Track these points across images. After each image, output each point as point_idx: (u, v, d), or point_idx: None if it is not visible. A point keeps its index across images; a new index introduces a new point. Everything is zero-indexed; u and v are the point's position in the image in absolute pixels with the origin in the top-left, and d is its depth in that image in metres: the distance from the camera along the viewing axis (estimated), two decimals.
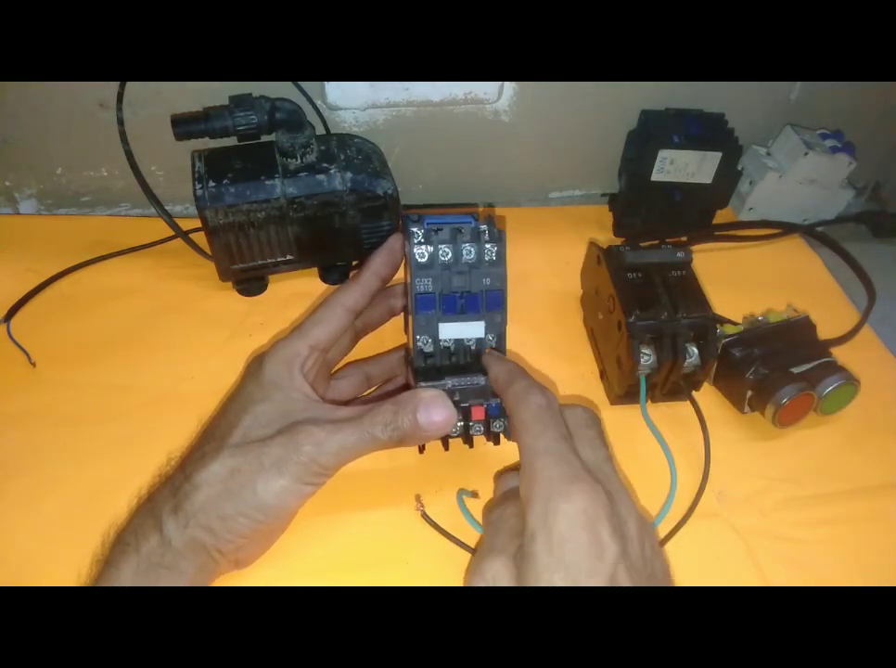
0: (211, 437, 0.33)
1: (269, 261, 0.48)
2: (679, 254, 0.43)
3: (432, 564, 0.36)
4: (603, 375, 0.46)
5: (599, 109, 0.55)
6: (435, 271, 0.35)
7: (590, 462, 0.28)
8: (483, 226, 0.35)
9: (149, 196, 0.46)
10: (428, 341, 0.36)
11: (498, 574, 0.26)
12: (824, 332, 0.46)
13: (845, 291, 0.54)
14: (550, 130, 0.57)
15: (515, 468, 0.36)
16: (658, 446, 0.41)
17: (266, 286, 0.50)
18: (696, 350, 0.41)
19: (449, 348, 0.36)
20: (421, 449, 0.38)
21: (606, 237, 0.57)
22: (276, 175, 0.44)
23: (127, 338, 0.46)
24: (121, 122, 0.44)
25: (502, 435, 0.37)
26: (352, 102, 0.51)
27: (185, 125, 0.42)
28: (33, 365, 0.44)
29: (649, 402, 0.43)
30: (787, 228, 0.58)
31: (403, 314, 0.41)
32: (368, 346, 0.43)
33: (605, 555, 0.25)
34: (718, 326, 0.42)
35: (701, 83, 0.54)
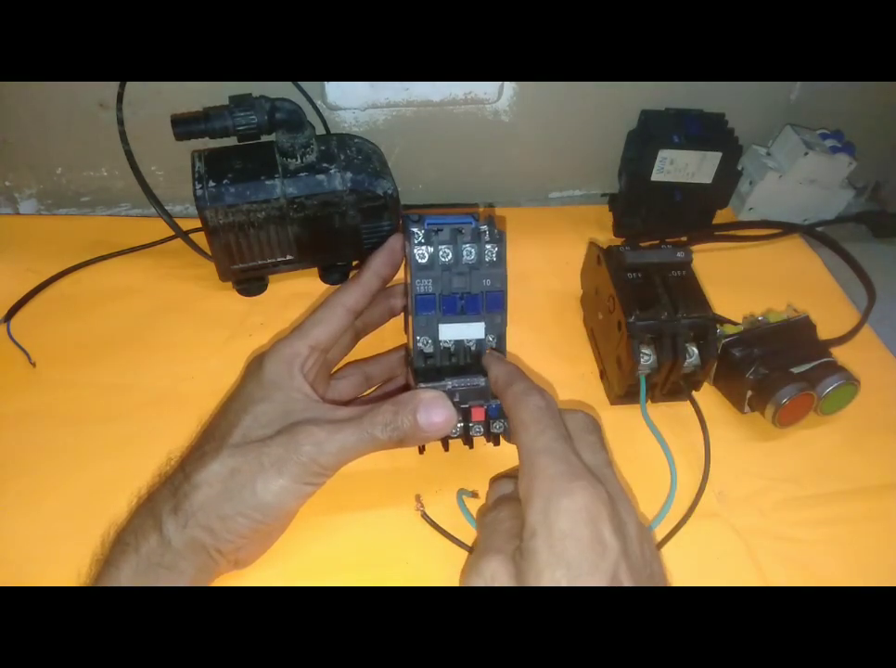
0: (211, 437, 0.33)
1: (269, 261, 0.48)
2: (679, 254, 0.43)
3: (432, 564, 0.36)
4: (603, 375, 0.46)
5: (599, 109, 0.55)
6: (435, 272, 0.35)
7: (590, 465, 0.28)
8: (484, 227, 0.35)
9: (149, 196, 0.46)
10: (428, 342, 0.36)
11: (496, 573, 0.26)
12: (824, 332, 0.46)
13: (845, 291, 0.54)
14: (550, 130, 0.57)
15: (508, 475, 0.36)
16: (658, 446, 0.41)
17: (266, 286, 0.50)
18: (696, 350, 0.41)
19: (449, 349, 0.36)
20: (421, 450, 0.38)
21: (606, 237, 0.57)
22: (276, 175, 0.44)
23: (127, 338, 0.46)
24: (121, 122, 0.44)
25: (502, 436, 0.37)
26: (352, 102, 0.51)
27: (185, 125, 0.42)
28: (33, 365, 0.44)
29: (649, 402, 0.43)
30: (787, 228, 0.58)
31: (403, 314, 0.41)
32: (368, 346, 0.43)
33: (606, 552, 0.25)
34: (718, 326, 0.42)
35: (701, 83, 0.54)
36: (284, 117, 0.44)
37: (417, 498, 0.38)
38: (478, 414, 0.36)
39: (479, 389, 0.35)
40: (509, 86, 0.53)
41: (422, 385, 0.34)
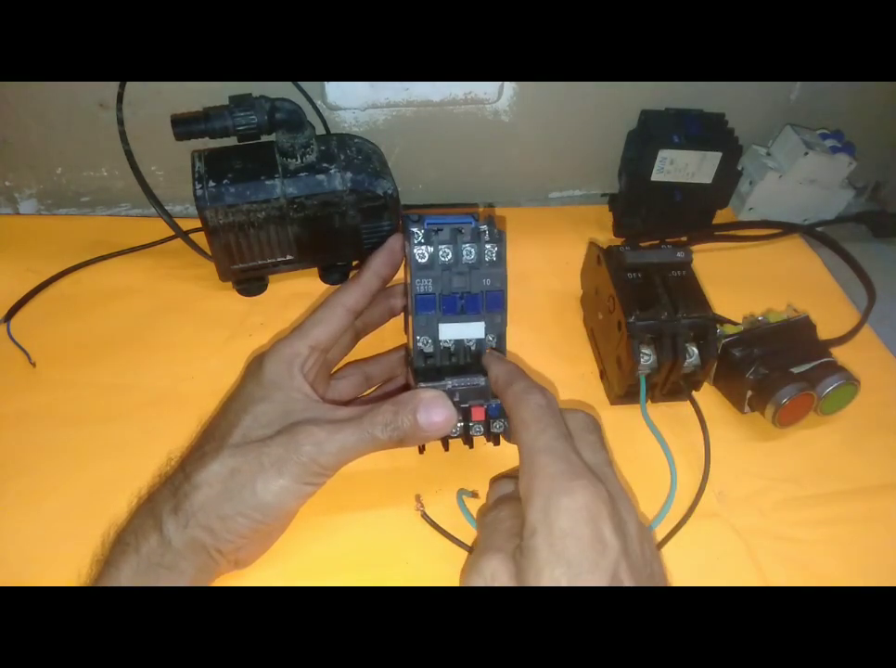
0: (211, 437, 0.33)
1: (269, 261, 0.48)
2: (679, 254, 0.43)
3: (432, 564, 0.36)
4: (603, 375, 0.46)
5: (599, 109, 0.55)
6: (435, 271, 0.35)
7: (591, 464, 0.28)
8: (483, 227, 0.35)
9: (149, 196, 0.46)
10: (428, 342, 0.36)
11: (497, 572, 0.26)
12: (824, 332, 0.46)
13: (845, 291, 0.54)
14: (550, 130, 0.57)
15: (508, 475, 0.36)
16: (658, 446, 0.41)
17: (266, 286, 0.50)
18: (696, 350, 0.41)
19: (449, 348, 0.36)
20: (421, 449, 0.38)
21: (606, 237, 0.57)
22: (276, 175, 0.44)
23: (127, 338, 0.46)
24: (121, 122, 0.44)
25: (502, 436, 0.37)
26: (352, 102, 0.51)
27: (185, 125, 0.42)
28: (33, 365, 0.44)
29: (649, 402, 0.43)
30: (787, 228, 0.58)
31: (403, 314, 0.41)
32: (368, 346, 0.43)
33: (607, 551, 0.25)
34: (718, 326, 0.42)
35: (701, 83, 0.54)
36: (284, 117, 0.44)
37: (417, 498, 0.38)
38: (478, 413, 0.36)
39: (479, 388, 0.35)
40: (509, 86, 0.53)
41: (422, 385, 0.34)
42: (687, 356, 0.41)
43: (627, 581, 0.25)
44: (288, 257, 0.48)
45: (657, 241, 0.46)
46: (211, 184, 0.44)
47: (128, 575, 0.29)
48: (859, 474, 0.42)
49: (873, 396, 0.44)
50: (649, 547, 0.28)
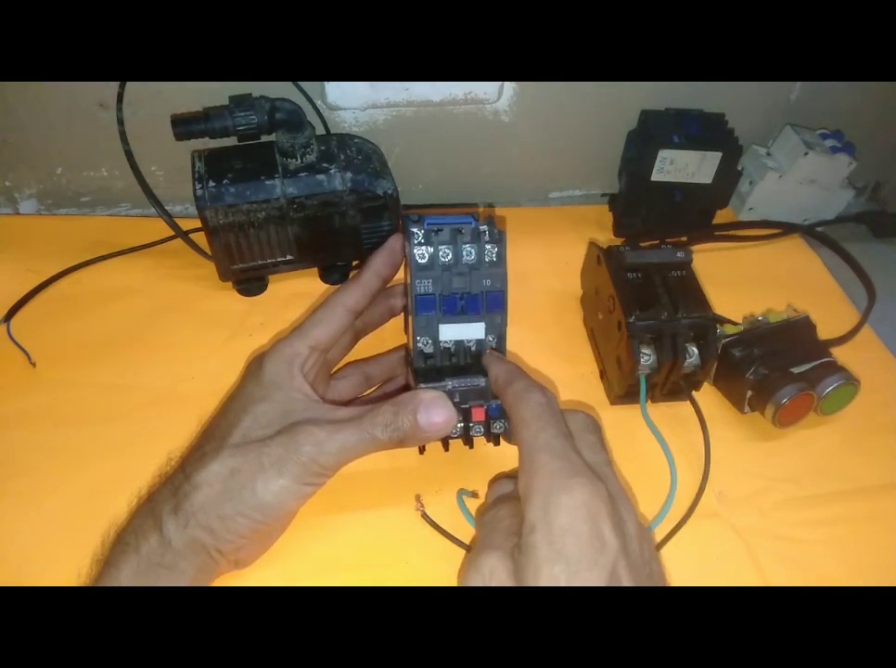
0: (211, 437, 0.33)
1: (269, 261, 0.48)
2: (679, 254, 0.43)
3: (432, 564, 0.36)
4: (603, 375, 0.46)
5: (599, 109, 0.55)
6: (435, 272, 0.35)
7: (590, 463, 0.28)
8: (483, 227, 0.35)
9: (149, 196, 0.46)
10: (428, 342, 0.36)
11: (495, 570, 0.26)
12: (824, 332, 0.46)
13: (845, 291, 0.54)
14: (550, 130, 0.57)
15: (508, 475, 0.36)
16: (658, 446, 0.41)
17: (266, 286, 0.50)
18: (696, 350, 0.41)
19: (449, 349, 0.36)
20: (421, 450, 0.38)
21: (606, 237, 0.57)
22: (276, 175, 0.44)
23: (127, 338, 0.46)
24: (121, 122, 0.44)
25: (502, 436, 0.37)
26: (352, 102, 0.51)
27: (185, 125, 0.42)
28: (33, 365, 0.44)
29: (649, 402, 0.43)
30: (787, 228, 0.58)
31: (403, 314, 0.41)
32: (368, 346, 0.43)
33: (605, 549, 0.25)
34: (718, 326, 0.42)
35: (701, 83, 0.54)
36: (284, 117, 0.44)
37: (417, 498, 0.38)
38: (478, 414, 0.36)
39: (479, 389, 0.35)
40: (509, 86, 0.53)
41: (422, 385, 0.34)
42: (687, 356, 0.41)
43: (625, 579, 0.25)
44: (288, 257, 0.48)
45: (657, 241, 0.46)
46: (211, 184, 0.44)
47: (128, 575, 0.29)
48: (859, 474, 0.42)
49: (873, 396, 0.44)
50: (648, 547, 0.28)
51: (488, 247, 0.35)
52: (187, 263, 0.50)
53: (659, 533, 0.37)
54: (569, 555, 0.24)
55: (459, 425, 0.36)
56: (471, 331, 0.36)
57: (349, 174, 0.45)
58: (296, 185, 0.45)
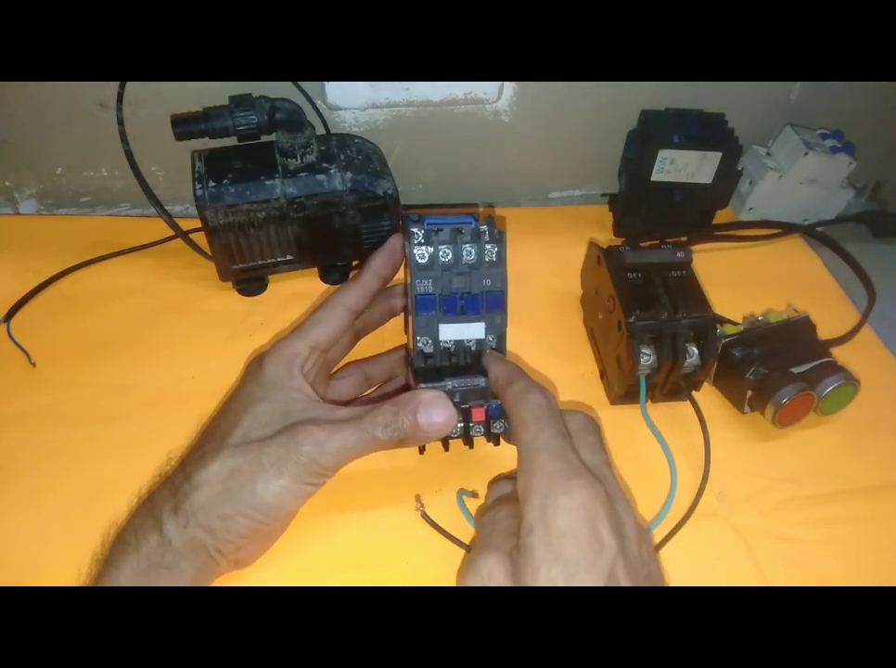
0: (211, 437, 0.33)
1: (269, 261, 0.48)
2: (679, 254, 0.43)
3: (432, 564, 0.36)
4: (603, 375, 0.46)
5: (599, 109, 0.55)
6: (435, 272, 0.35)
7: (589, 464, 0.28)
8: (483, 227, 0.35)
9: (149, 196, 0.46)
10: (428, 342, 0.36)
11: (493, 571, 0.26)
12: (824, 332, 0.46)
13: (845, 291, 0.54)
14: (550, 130, 0.57)
15: (507, 476, 0.36)
16: (658, 446, 0.41)
17: (266, 286, 0.50)
18: (696, 350, 0.41)
19: (449, 349, 0.36)
20: (421, 450, 0.38)
21: (606, 237, 0.57)
22: (276, 175, 0.44)
23: (127, 338, 0.46)
24: (121, 122, 0.44)
25: (502, 437, 0.37)
26: (352, 102, 0.51)
27: (185, 125, 0.42)
28: (33, 365, 0.44)
29: (649, 402, 0.43)
30: (787, 228, 0.58)
31: (403, 314, 0.41)
32: (368, 346, 0.43)
33: (604, 550, 0.25)
34: (718, 326, 0.42)
35: (701, 83, 0.54)
36: (284, 117, 0.44)
37: (417, 498, 0.38)
38: (478, 414, 0.36)
39: (479, 389, 0.35)
40: (509, 86, 0.53)
41: (422, 385, 0.34)
42: (687, 356, 0.41)
43: (624, 580, 0.25)
44: (288, 257, 0.48)
45: (657, 241, 0.46)
46: (211, 184, 0.44)
47: (128, 575, 0.29)
48: (859, 474, 0.42)
49: (873, 396, 0.44)
50: (647, 548, 0.28)
51: (488, 247, 0.35)
52: (187, 263, 0.50)
53: (659, 534, 0.37)
54: (567, 556, 0.24)
55: (459, 425, 0.36)
56: (471, 331, 0.36)
57: (349, 174, 0.45)
58: (296, 185, 0.45)
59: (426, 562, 0.36)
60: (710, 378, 0.45)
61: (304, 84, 0.49)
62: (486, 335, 0.36)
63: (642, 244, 0.44)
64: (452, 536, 0.36)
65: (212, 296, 0.49)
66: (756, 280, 0.53)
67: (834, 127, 0.57)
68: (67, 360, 0.44)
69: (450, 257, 0.35)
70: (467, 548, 0.36)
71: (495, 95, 0.53)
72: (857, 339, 0.49)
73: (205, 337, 0.47)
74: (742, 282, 0.52)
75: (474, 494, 0.38)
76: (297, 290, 0.50)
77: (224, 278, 0.49)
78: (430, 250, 0.35)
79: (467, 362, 0.36)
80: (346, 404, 0.40)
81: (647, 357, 0.40)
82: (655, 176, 0.52)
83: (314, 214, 0.46)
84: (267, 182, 0.44)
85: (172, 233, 0.48)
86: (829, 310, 0.49)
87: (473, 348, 0.36)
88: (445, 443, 0.38)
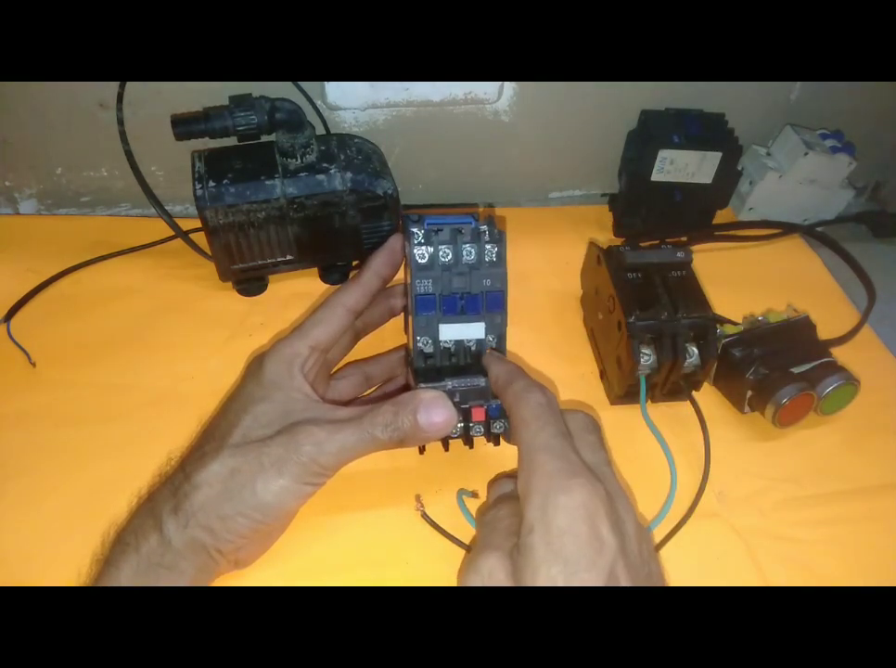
0: (211, 437, 0.33)
1: (269, 261, 0.48)
2: (679, 254, 0.43)
3: (432, 564, 0.36)
4: (603, 375, 0.46)
5: (599, 109, 0.55)
6: (435, 272, 0.35)
7: (590, 463, 0.28)
8: (483, 227, 0.35)
9: (149, 196, 0.46)
10: (428, 342, 0.36)
11: (494, 570, 0.26)
12: (824, 332, 0.46)
13: (845, 291, 0.54)
14: (550, 130, 0.57)
15: (508, 475, 0.36)
16: (658, 446, 0.41)
17: (266, 286, 0.50)
18: (696, 350, 0.41)
19: (449, 349, 0.36)
20: (421, 450, 0.38)
21: (606, 237, 0.57)
22: (276, 175, 0.44)
23: (127, 338, 0.46)
24: (121, 122, 0.44)
25: (502, 437, 0.37)
26: (352, 102, 0.51)
27: (185, 125, 0.42)
28: (33, 365, 0.44)
29: (649, 402, 0.43)
30: (787, 228, 0.58)
31: (403, 314, 0.41)
32: (368, 346, 0.43)
33: (603, 549, 0.25)
34: (718, 326, 0.42)
35: (701, 83, 0.54)
36: (284, 117, 0.44)
37: (417, 498, 0.38)
38: (478, 414, 0.36)
39: (479, 389, 0.35)
40: (509, 86, 0.53)
41: (422, 385, 0.34)
42: (687, 356, 0.41)
43: (624, 580, 0.25)
44: (288, 257, 0.48)
45: (657, 241, 0.46)
46: (211, 184, 0.44)
47: (128, 575, 0.29)
48: (859, 474, 0.42)
49: (873, 396, 0.44)
50: (647, 547, 0.28)
51: (488, 247, 0.35)
52: (187, 263, 0.50)
53: (658, 533, 0.37)
54: (567, 555, 0.24)
55: (459, 425, 0.36)
56: (471, 331, 0.36)
57: (349, 174, 0.45)
58: (296, 185, 0.45)
59: (426, 562, 0.36)
60: (710, 378, 0.45)
61: (304, 84, 0.49)
62: (486, 335, 0.36)
63: (642, 244, 0.44)
64: (452, 536, 0.36)
65: (212, 296, 0.49)
66: (756, 280, 0.53)
67: (834, 127, 0.57)
68: (67, 360, 0.44)
69: (450, 257, 0.35)
70: (468, 548, 0.36)
71: (495, 95, 0.53)
72: (857, 339, 0.49)
73: (205, 337, 0.47)
74: (742, 282, 0.52)
75: (474, 494, 0.38)
76: (297, 290, 0.50)
77: (224, 278, 0.49)
78: (430, 250, 0.35)
79: (466, 362, 0.36)
80: (346, 404, 0.40)
81: (647, 357, 0.40)
82: (655, 176, 0.52)
83: (314, 214, 0.46)
84: (267, 182, 0.44)
85: (172, 233, 0.48)
86: (829, 310, 0.49)
87: (473, 348, 0.36)
88: (445, 443, 0.38)
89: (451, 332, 0.36)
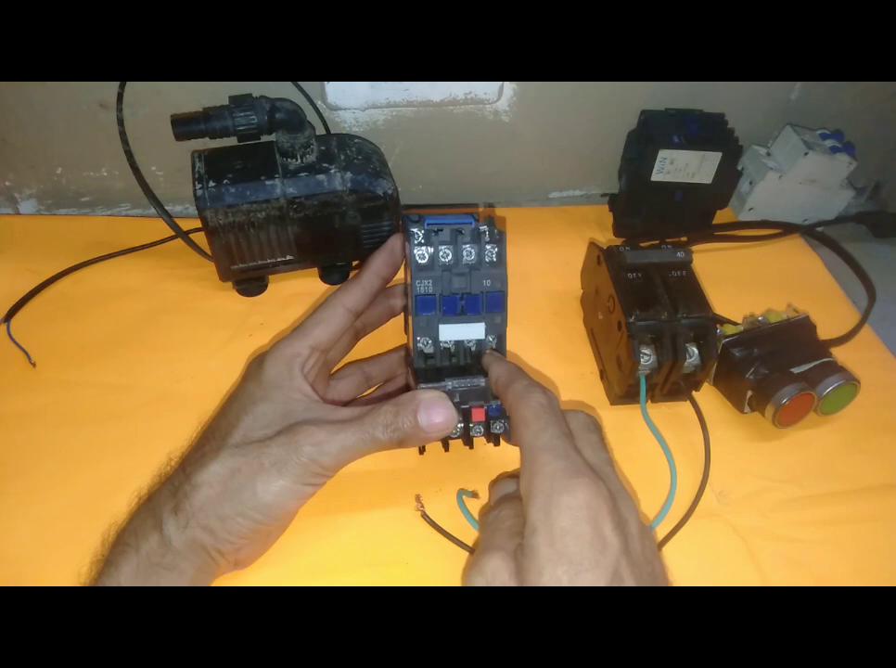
0: (212, 437, 0.33)
1: (269, 261, 0.48)
2: (679, 254, 0.43)
3: (432, 564, 0.36)
4: (603, 375, 0.46)
5: (599, 109, 0.55)
6: (435, 272, 0.35)
7: (591, 462, 0.28)
8: (484, 227, 0.35)
9: (149, 196, 0.46)
10: (428, 343, 0.36)
11: (497, 571, 0.26)
12: (824, 332, 0.46)
13: (845, 291, 0.54)
14: (550, 130, 0.57)
15: (510, 476, 0.36)
16: (658, 446, 0.41)
17: (266, 286, 0.50)
18: (696, 350, 0.41)
19: (449, 349, 0.36)
20: (421, 450, 0.38)
21: (606, 238, 0.57)
22: (276, 175, 0.44)
23: (127, 338, 0.46)
24: (121, 122, 0.44)
25: (502, 437, 0.37)
26: (352, 102, 0.51)
27: (185, 125, 0.42)
28: (33, 365, 0.44)
29: (649, 402, 0.43)
30: (786, 228, 0.58)
31: (403, 314, 0.41)
32: (368, 346, 0.43)
33: (607, 549, 0.25)
34: (718, 326, 0.42)
35: (701, 83, 0.54)
36: (284, 117, 0.44)
37: (417, 498, 0.38)
38: (478, 414, 0.36)
39: (479, 389, 0.35)
40: (509, 86, 0.53)
41: (422, 386, 0.34)
42: (687, 356, 0.41)
43: (628, 579, 0.25)
44: (288, 257, 0.48)
45: (657, 241, 0.46)
46: (211, 184, 0.44)
47: (128, 575, 0.29)
48: (859, 474, 0.42)
49: (873, 396, 0.44)
50: (650, 546, 0.28)
51: (488, 247, 0.35)
52: (187, 263, 0.50)
53: (659, 533, 0.37)
54: (571, 556, 0.24)
55: (459, 425, 0.36)
56: (471, 332, 0.36)
57: (349, 174, 0.45)
58: (296, 185, 0.45)
59: (426, 562, 0.36)
60: (710, 378, 0.45)
61: (304, 84, 0.49)
62: (486, 335, 0.36)
63: (642, 244, 0.44)
64: (452, 536, 0.36)
65: (212, 296, 0.49)
66: (756, 280, 0.53)
67: (834, 127, 0.57)
68: (67, 360, 0.44)
69: (450, 257, 0.35)
70: (468, 548, 0.36)
71: (495, 95, 0.53)
72: (857, 339, 0.49)
73: (205, 337, 0.47)
74: (742, 282, 0.52)
75: (474, 495, 0.38)
76: (297, 290, 0.50)
77: (224, 278, 0.49)
78: (430, 250, 0.35)
79: (467, 362, 0.36)
80: (346, 404, 0.40)
81: (647, 357, 0.40)
82: (655, 176, 0.52)
83: (314, 214, 0.46)
84: (267, 182, 0.44)
85: (173, 233, 0.48)
86: (829, 310, 0.49)
87: (473, 348, 0.36)
88: (445, 443, 0.38)
89: (451, 333, 0.36)
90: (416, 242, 0.35)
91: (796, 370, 0.42)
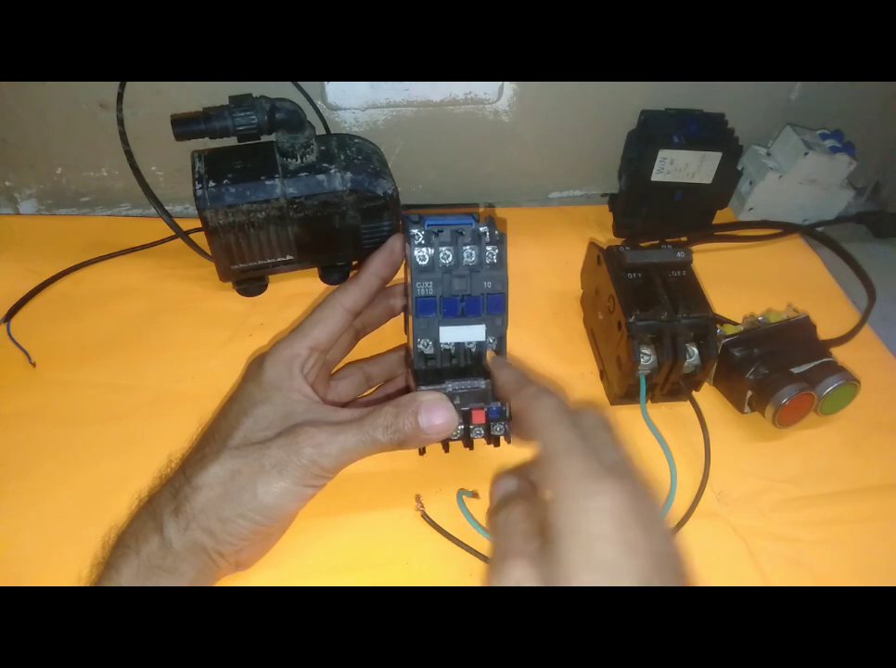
0: (212, 439, 0.33)
1: (269, 261, 0.48)
2: (679, 254, 0.43)
3: (432, 564, 0.36)
4: (603, 375, 0.46)
5: (599, 109, 0.55)
6: (436, 274, 0.35)
7: (612, 462, 0.28)
8: (484, 228, 0.35)
9: (149, 196, 0.46)
10: (428, 344, 0.36)
11: (523, 578, 0.25)
12: (824, 332, 0.46)
13: (845, 291, 0.54)
14: (550, 130, 0.57)
15: (510, 472, 0.36)
16: (658, 446, 0.41)
17: (266, 286, 0.50)
18: (696, 350, 0.41)
19: (449, 351, 0.36)
20: (422, 451, 0.38)
21: (606, 238, 0.57)
22: (276, 175, 0.44)
23: (127, 338, 0.46)
24: (121, 122, 0.44)
25: (502, 438, 0.37)
26: (352, 102, 0.51)
27: (185, 125, 0.42)
28: (33, 365, 0.44)
29: (649, 402, 0.43)
30: (786, 228, 0.58)
31: (403, 314, 0.41)
32: (368, 346, 0.43)
33: (636, 552, 0.24)
34: (718, 326, 0.42)
35: (701, 83, 0.54)
36: (284, 117, 0.44)
37: (418, 499, 0.38)
38: (478, 416, 0.36)
39: (479, 391, 0.35)
40: (509, 86, 0.53)
41: (423, 387, 0.34)
42: (687, 356, 0.41)
43: (656, 581, 0.24)
44: (288, 257, 0.48)
45: (657, 241, 0.46)
46: (211, 184, 0.44)
47: (128, 577, 0.29)
48: (859, 474, 0.42)
49: (873, 396, 0.44)
50: (673, 543, 0.27)
51: (488, 249, 0.35)
52: (187, 263, 0.50)
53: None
54: (601, 561, 0.24)
55: (459, 427, 0.36)
56: (472, 333, 0.36)
57: (349, 174, 0.45)
58: (296, 185, 0.45)
59: (426, 562, 0.36)
60: (710, 378, 0.45)
61: (304, 84, 0.49)
62: (486, 337, 0.36)
63: (642, 244, 0.44)
64: (452, 537, 0.36)
65: (212, 296, 0.49)
66: (756, 280, 0.53)
67: (834, 127, 0.57)
68: (67, 360, 0.44)
69: (450, 259, 0.35)
70: (468, 548, 0.36)
71: (495, 95, 0.53)
72: (857, 339, 0.49)
73: (205, 337, 0.47)
74: (742, 282, 0.52)
75: (474, 495, 0.38)
76: (297, 290, 0.50)
77: (224, 278, 0.49)
78: (431, 251, 0.35)
79: (467, 364, 0.36)
80: (346, 404, 0.40)
81: (647, 357, 0.40)
82: (655, 176, 0.52)
83: (314, 214, 0.46)
84: (267, 182, 0.44)
85: (173, 233, 0.48)
86: (829, 310, 0.49)
87: (474, 350, 0.36)
88: (445, 444, 0.38)
89: (451, 334, 0.36)
90: (416, 243, 0.34)
91: (796, 370, 0.42)
